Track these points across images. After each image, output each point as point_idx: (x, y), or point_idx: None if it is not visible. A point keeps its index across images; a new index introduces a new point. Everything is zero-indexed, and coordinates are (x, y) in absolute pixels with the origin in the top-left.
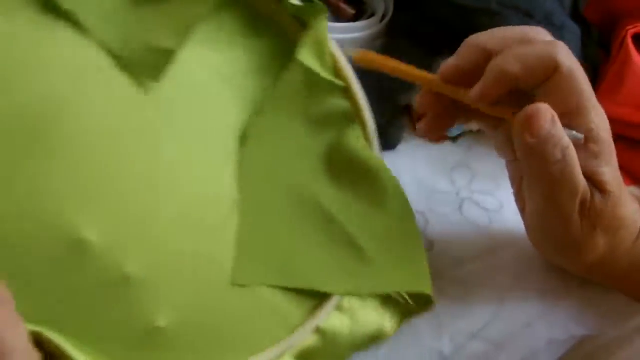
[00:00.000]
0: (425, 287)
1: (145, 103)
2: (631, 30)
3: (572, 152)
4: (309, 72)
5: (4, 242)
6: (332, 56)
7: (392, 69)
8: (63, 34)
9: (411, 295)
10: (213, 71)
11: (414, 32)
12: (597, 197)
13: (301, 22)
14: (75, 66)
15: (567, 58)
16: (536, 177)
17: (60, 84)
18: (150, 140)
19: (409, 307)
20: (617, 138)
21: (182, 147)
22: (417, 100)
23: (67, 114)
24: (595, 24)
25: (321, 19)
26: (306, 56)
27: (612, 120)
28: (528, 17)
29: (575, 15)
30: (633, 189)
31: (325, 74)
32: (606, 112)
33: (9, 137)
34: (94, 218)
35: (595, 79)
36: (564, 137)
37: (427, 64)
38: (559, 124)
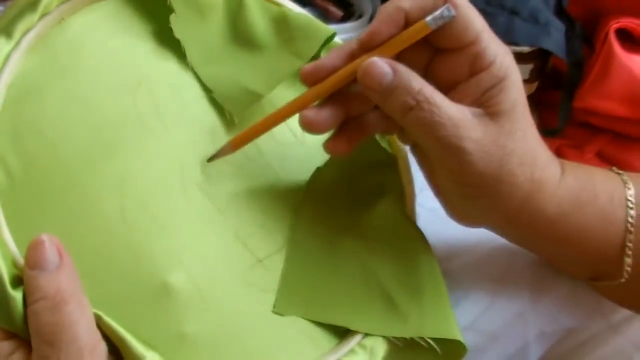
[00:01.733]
0: (454, 334)
1: (226, 139)
2: (614, 26)
3: (428, 92)
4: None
5: (101, 280)
6: None
7: (270, 124)
8: (169, 64)
9: (438, 342)
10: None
11: None
12: (489, 125)
13: None
14: (171, 93)
15: None
16: (412, 131)
17: (148, 108)
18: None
19: (435, 353)
20: (603, 131)
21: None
22: (310, 123)
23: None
24: (579, 20)
25: None
26: None
27: (598, 114)
28: (513, 14)
29: (560, 12)
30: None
31: (385, 143)
32: (592, 105)
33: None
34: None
35: (580, 74)
36: (411, 82)
37: None
38: (402, 71)
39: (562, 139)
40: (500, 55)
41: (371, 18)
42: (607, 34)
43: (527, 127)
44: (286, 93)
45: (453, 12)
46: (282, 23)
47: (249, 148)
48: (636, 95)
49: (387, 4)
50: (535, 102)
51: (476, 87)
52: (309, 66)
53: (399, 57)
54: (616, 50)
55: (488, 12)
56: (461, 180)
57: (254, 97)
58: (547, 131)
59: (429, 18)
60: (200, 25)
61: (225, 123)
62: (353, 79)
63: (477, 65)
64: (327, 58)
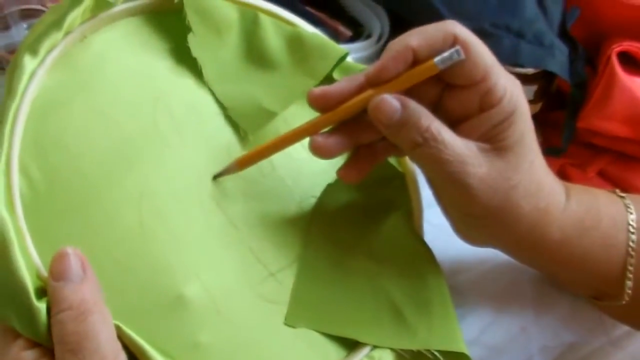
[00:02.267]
0: (460, 347)
1: (240, 153)
2: (616, 49)
3: (435, 129)
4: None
5: (120, 291)
6: None
7: (278, 147)
8: (187, 81)
9: (444, 355)
10: None
11: None
12: (495, 160)
13: None
14: (188, 109)
15: (465, 31)
16: (419, 165)
17: (166, 123)
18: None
19: None
20: (606, 151)
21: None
22: (319, 148)
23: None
24: (582, 43)
25: None
26: None
27: (601, 134)
28: (519, 37)
29: (563, 34)
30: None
31: (393, 161)
32: (595, 126)
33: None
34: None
35: (583, 95)
36: (420, 119)
37: None
38: (411, 108)
39: (566, 158)
40: (509, 88)
41: (379, 38)
42: (609, 57)
43: (534, 158)
44: (299, 111)
45: (462, 56)
46: (296, 43)
47: (263, 164)
48: (638, 117)
49: (395, 41)
50: (540, 122)
51: (486, 123)
52: (317, 91)
53: (410, 89)
54: (618, 72)
55: (494, 35)
56: (466, 211)
57: (268, 115)
58: (550, 150)
59: (437, 59)
60: (216, 44)
61: (240, 140)
62: (363, 110)
63: (487, 101)
64: (336, 86)
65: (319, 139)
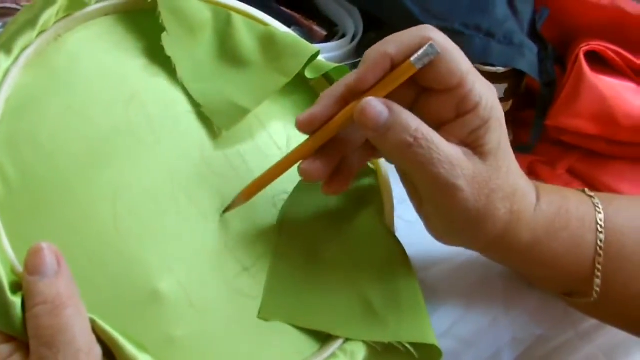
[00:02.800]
0: (430, 339)
1: (214, 151)
2: (584, 48)
3: (424, 130)
4: None
5: (94, 285)
6: None
7: (275, 174)
8: (160, 79)
9: (415, 347)
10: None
11: None
12: (478, 163)
13: None
14: (162, 107)
15: (441, 36)
16: (404, 166)
17: (140, 121)
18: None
19: (412, 357)
20: (574, 148)
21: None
22: (309, 174)
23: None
24: (552, 42)
25: None
26: None
27: (569, 132)
28: (489, 37)
29: (533, 34)
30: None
31: None
32: (563, 124)
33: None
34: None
35: (552, 94)
36: (407, 120)
37: None
38: (397, 110)
39: (535, 156)
40: (485, 95)
41: (353, 38)
42: (577, 56)
43: (510, 162)
44: (272, 108)
45: (437, 50)
46: (268, 41)
47: (234, 158)
48: (604, 115)
49: (372, 49)
50: (510, 120)
51: (463, 128)
52: (304, 116)
53: (386, 96)
54: (586, 71)
55: (465, 34)
56: (449, 215)
57: (241, 112)
58: (520, 147)
59: (413, 58)
60: (190, 43)
61: (214, 136)
62: (349, 124)
63: (463, 107)
64: (319, 106)
65: (308, 165)
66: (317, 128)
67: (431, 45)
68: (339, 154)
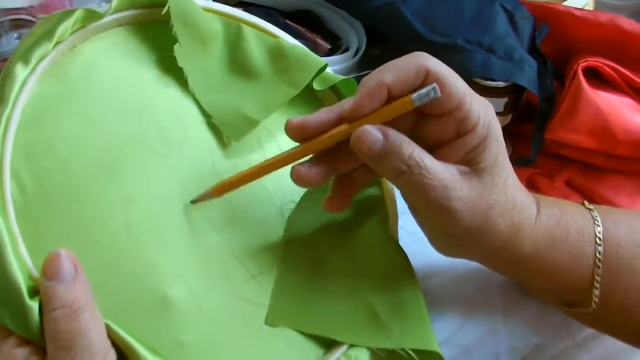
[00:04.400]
0: (432, 346)
1: (224, 161)
2: (582, 64)
3: (418, 157)
4: None
5: (107, 291)
6: None
7: (257, 173)
8: (172, 90)
9: (417, 354)
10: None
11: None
12: (475, 182)
13: None
14: (173, 117)
15: (437, 64)
16: (402, 192)
17: (152, 131)
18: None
19: None
20: (573, 162)
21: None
22: (302, 178)
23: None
24: (551, 58)
25: None
26: None
27: (568, 146)
28: (490, 52)
29: (533, 50)
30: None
31: None
32: (562, 138)
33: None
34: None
35: (551, 108)
36: (402, 148)
37: None
38: (393, 138)
39: (535, 168)
40: (482, 113)
41: (357, 52)
42: (576, 72)
43: (508, 176)
44: (281, 120)
45: (439, 94)
46: (278, 54)
47: (243, 169)
48: (602, 129)
49: (369, 77)
50: (510, 134)
51: (462, 148)
52: (296, 121)
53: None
54: (584, 87)
55: (467, 50)
56: (447, 233)
57: (251, 124)
58: (520, 160)
59: (415, 96)
60: (202, 55)
61: (224, 147)
62: (342, 141)
63: (462, 128)
64: (314, 117)
65: (302, 169)
66: (304, 137)
67: (434, 89)
68: (337, 168)
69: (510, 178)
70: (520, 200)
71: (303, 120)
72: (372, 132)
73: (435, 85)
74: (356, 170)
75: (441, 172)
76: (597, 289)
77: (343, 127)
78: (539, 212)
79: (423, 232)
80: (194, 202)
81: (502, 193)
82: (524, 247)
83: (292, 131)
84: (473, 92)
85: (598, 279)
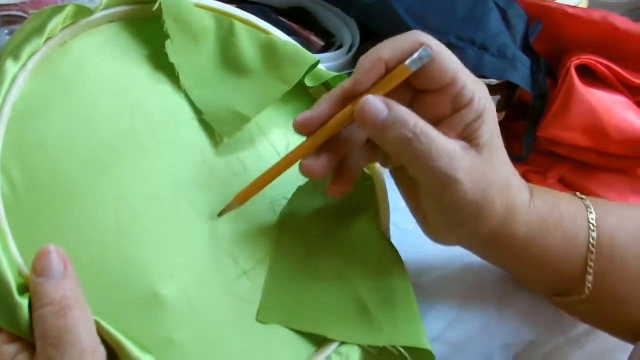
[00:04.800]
0: (423, 343)
1: (215, 158)
2: (574, 62)
3: (423, 125)
4: None
5: (97, 288)
6: None
7: (271, 177)
8: (164, 86)
9: (408, 351)
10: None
11: None
12: (475, 156)
13: None
14: (165, 113)
15: (430, 39)
16: (404, 160)
17: (143, 128)
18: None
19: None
20: (565, 159)
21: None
22: (311, 171)
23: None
24: (544, 55)
25: None
26: None
27: (560, 143)
28: (483, 50)
29: (526, 47)
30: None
31: None
32: (554, 135)
33: (88, 165)
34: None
35: (543, 106)
36: (405, 116)
37: None
38: (395, 107)
39: (527, 165)
40: (477, 91)
41: (350, 48)
42: (568, 69)
43: (503, 155)
44: (272, 115)
45: (430, 52)
46: (269, 50)
47: (235, 165)
48: (595, 127)
49: (366, 54)
50: (502, 131)
51: (460, 122)
52: (300, 118)
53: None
54: (576, 84)
55: (459, 47)
56: (448, 209)
57: (242, 120)
58: (513, 157)
59: (407, 61)
60: (193, 51)
61: (215, 143)
62: (346, 125)
63: (458, 102)
64: (316, 108)
65: (310, 163)
66: (313, 130)
67: (424, 49)
68: (339, 153)
69: (505, 157)
70: (514, 182)
71: (307, 114)
72: (375, 102)
73: (424, 46)
74: (354, 154)
75: (445, 142)
76: (589, 274)
77: (346, 109)
78: (532, 196)
79: (418, 221)
80: (220, 214)
81: (499, 170)
82: (519, 231)
83: (300, 127)
84: (467, 71)
85: (591, 264)
